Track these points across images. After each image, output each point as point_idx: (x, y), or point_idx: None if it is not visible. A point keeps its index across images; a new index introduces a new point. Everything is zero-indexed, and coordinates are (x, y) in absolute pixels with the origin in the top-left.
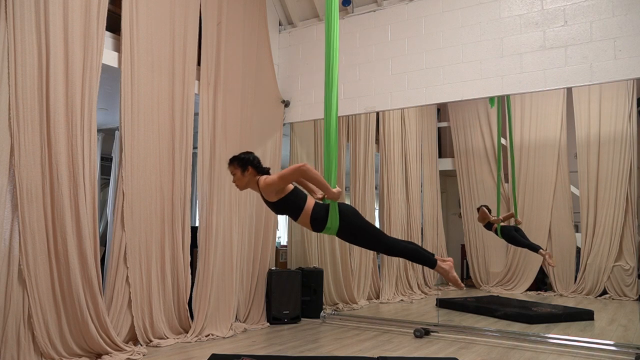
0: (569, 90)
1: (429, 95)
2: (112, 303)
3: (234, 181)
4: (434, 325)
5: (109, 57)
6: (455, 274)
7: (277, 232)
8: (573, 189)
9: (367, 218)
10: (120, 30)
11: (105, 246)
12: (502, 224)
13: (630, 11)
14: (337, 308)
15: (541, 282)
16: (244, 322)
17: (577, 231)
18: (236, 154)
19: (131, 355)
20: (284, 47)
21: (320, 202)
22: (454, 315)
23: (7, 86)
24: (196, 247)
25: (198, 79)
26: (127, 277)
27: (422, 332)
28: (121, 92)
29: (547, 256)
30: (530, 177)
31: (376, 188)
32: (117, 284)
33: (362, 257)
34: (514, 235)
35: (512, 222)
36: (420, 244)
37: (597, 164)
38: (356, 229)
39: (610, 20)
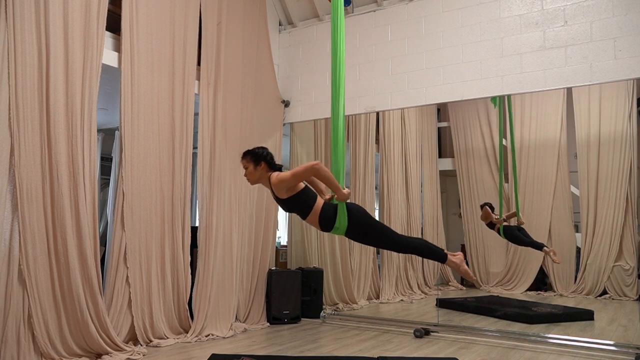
0: (569, 90)
1: (429, 95)
2: (112, 303)
3: (245, 175)
4: (434, 325)
5: (109, 57)
6: (466, 267)
7: (277, 232)
8: (573, 189)
9: None
10: (120, 30)
11: (105, 246)
12: (504, 223)
13: (630, 11)
14: (337, 308)
15: (541, 282)
16: (244, 322)
17: (577, 231)
18: (250, 148)
19: (131, 355)
20: (284, 47)
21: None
22: (454, 315)
23: (7, 86)
24: (196, 247)
25: (198, 79)
26: (127, 277)
27: (422, 332)
28: (121, 92)
29: (551, 253)
30: (530, 177)
31: (376, 188)
32: (117, 284)
33: (362, 257)
34: (517, 235)
35: (512, 222)
36: None
37: (597, 164)
38: (366, 228)
39: (610, 20)
